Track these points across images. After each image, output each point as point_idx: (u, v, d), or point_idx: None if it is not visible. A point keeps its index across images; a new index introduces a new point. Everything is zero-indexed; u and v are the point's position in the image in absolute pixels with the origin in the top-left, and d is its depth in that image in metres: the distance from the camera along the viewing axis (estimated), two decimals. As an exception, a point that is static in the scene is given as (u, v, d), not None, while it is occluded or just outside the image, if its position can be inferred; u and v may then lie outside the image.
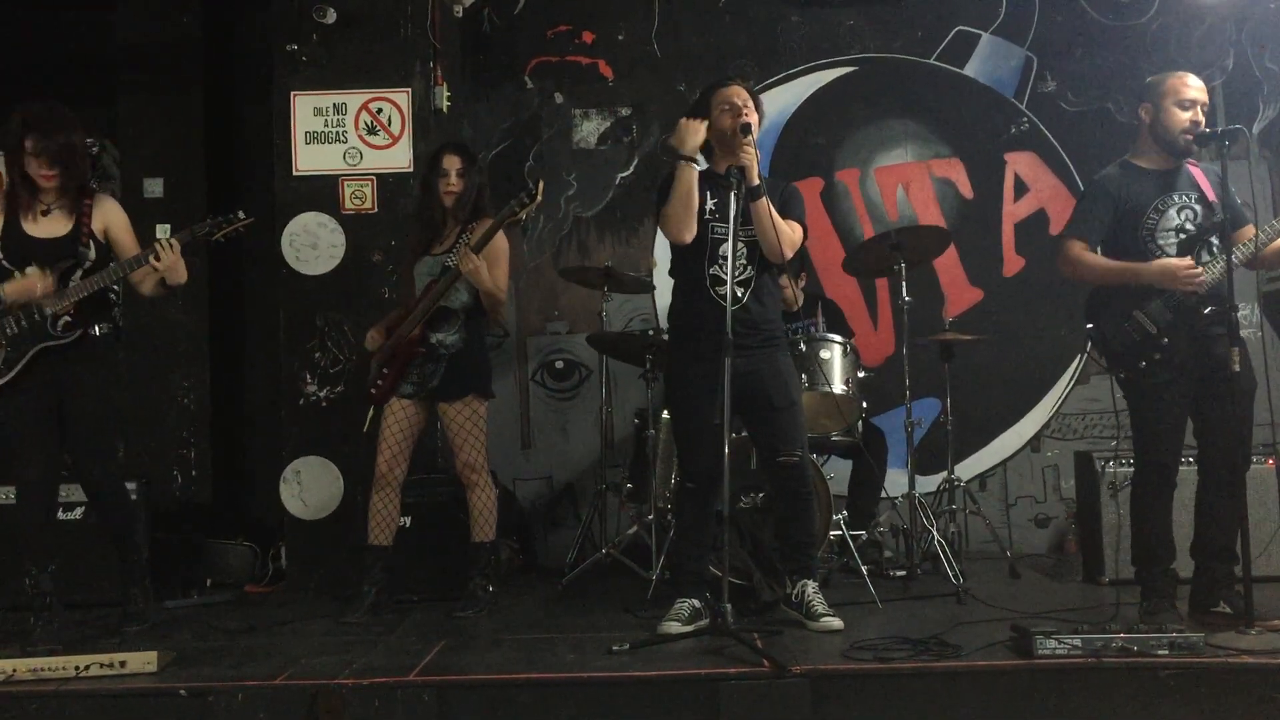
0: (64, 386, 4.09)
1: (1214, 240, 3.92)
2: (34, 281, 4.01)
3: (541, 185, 4.31)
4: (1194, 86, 4.00)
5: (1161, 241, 3.97)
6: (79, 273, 4.09)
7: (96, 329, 4.13)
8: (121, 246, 4.21)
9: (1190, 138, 3.95)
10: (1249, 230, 3.97)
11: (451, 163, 4.48)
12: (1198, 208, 3.99)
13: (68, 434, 4.13)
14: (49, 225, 4.12)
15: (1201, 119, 3.97)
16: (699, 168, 3.99)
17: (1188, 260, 3.88)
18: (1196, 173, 4.05)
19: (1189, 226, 3.97)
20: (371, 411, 4.54)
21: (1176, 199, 4.00)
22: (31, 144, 4.03)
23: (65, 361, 4.08)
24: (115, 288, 4.24)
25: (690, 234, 4.00)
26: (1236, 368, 3.72)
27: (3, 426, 4.08)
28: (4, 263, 4.07)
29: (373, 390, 4.51)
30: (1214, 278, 3.87)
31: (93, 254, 4.14)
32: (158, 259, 4.06)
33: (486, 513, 4.48)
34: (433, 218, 4.52)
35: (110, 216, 4.22)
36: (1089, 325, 4.09)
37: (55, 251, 4.08)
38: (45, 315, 4.02)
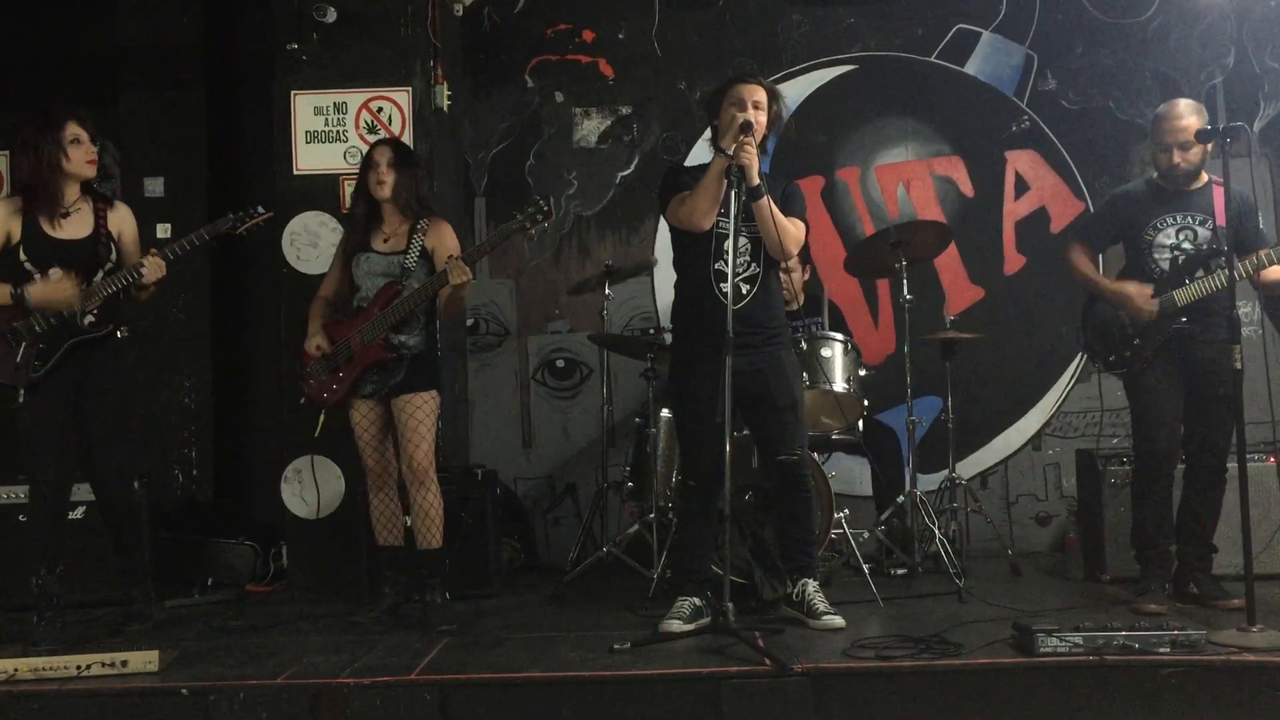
0: (84, 387, 4.17)
1: (1215, 262, 4.10)
2: (60, 287, 4.06)
3: (553, 202, 4.26)
4: (1173, 128, 4.16)
5: (1157, 256, 4.27)
6: (100, 274, 4.19)
7: (119, 332, 4.24)
8: (126, 254, 4.30)
9: (1176, 173, 4.20)
10: (1260, 253, 4.08)
11: (382, 154, 4.39)
12: (1199, 229, 4.19)
13: (83, 433, 4.19)
14: (70, 228, 4.20)
15: (1179, 161, 4.17)
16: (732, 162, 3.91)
17: (1147, 289, 4.17)
18: (1218, 195, 4.15)
19: (1185, 245, 4.20)
20: (322, 416, 4.44)
21: (1176, 219, 4.23)
22: (76, 127, 4.12)
23: (88, 363, 4.16)
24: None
25: (710, 221, 4.00)
26: (1239, 366, 3.72)
27: (20, 429, 4.10)
28: (26, 264, 4.13)
29: (325, 395, 4.36)
30: (1191, 299, 4.10)
31: (113, 255, 4.26)
32: (144, 273, 4.15)
33: (436, 516, 4.30)
34: (366, 211, 4.40)
35: (124, 223, 4.34)
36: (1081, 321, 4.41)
37: (77, 253, 4.17)
38: (73, 312, 4.10)
